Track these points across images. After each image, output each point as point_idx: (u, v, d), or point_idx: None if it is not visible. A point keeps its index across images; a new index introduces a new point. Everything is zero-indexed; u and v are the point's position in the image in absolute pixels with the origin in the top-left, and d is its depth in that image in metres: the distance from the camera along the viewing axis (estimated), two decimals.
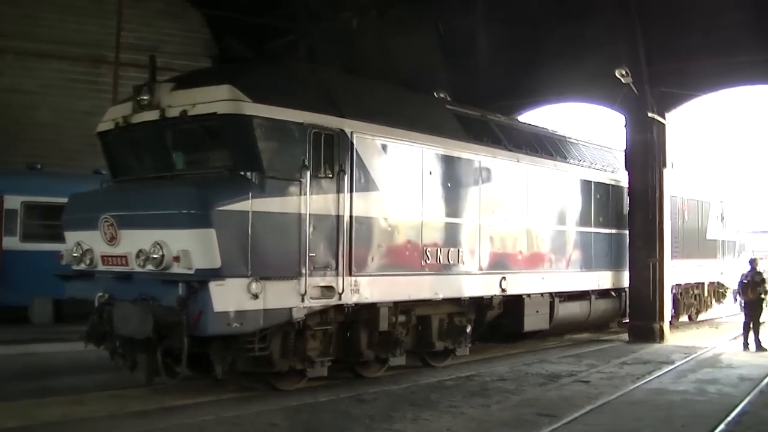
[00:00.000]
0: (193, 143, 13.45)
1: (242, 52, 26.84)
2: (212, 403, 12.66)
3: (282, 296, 12.59)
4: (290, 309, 12.73)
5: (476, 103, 19.86)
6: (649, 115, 22.07)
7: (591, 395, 13.47)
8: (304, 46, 26.87)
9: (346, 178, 13.75)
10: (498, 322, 18.37)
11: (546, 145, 20.50)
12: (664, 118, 22.55)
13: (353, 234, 13.83)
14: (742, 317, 22.70)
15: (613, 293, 22.86)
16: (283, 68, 15.37)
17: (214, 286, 11.56)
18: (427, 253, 15.57)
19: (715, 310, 32.04)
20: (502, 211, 17.98)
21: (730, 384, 14.94)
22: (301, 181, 12.92)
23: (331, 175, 13.53)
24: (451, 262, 16.18)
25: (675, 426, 11.37)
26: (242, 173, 12.49)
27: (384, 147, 14.80)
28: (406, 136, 15.33)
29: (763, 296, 22.42)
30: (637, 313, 22.47)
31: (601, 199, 22.13)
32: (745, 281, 21.92)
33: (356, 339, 14.47)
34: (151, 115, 13.04)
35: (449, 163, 16.41)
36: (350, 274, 13.73)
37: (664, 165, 22.61)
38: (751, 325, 21.26)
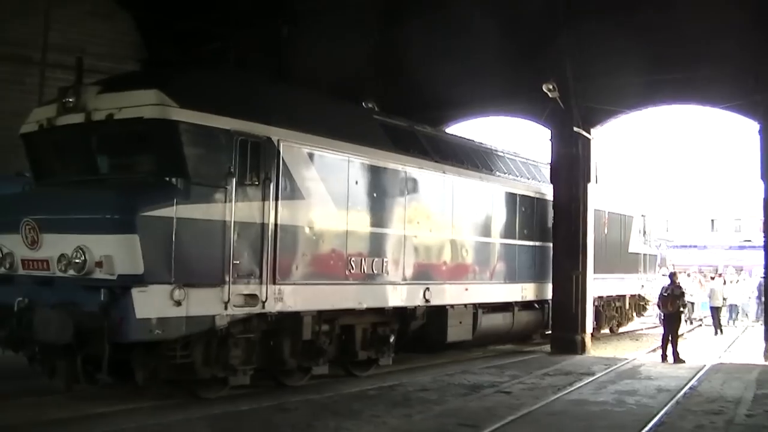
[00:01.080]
0: (118, 147, 13.28)
1: (172, 56, 26.60)
2: (133, 410, 12.53)
3: (205, 303, 12.53)
4: (213, 317, 12.68)
5: (405, 114, 19.94)
6: (575, 129, 22.34)
7: (512, 406, 13.60)
8: (234, 53, 26.71)
9: (272, 186, 13.73)
10: (421, 332, 18.41)
11: (472, 158, 20.67)
12: (590, 133, 22.86)
13: (278, 242, 13.81)
14: (661, 330, 23.14)
15: (536, 305, 23.08)
16: (212, 74, 15.34)
17: (136, 293, 11.48)
18: (352, 263, 15.61)
19: (635, 323, 32.56)
20: (427, 222, 18.08)
21: (648, 395, 15.21)
22: (226, 189, 12.89)
23: (256, 183, 13.50)
24: (376, 272, 16.23)
25: None
26: (167, 179, 12.42)
27: (310, 156, 14.81)
28: (333, 145, 15.36)
29: (681, 309, 22.88)
30: (560, 324, 22.73)
31: (526, 212, 22.36)
32: (665, 294, 22.33)
33: (279, 347, 14.39)
34: (77, 118, 12.88)
35: (375, 174, 16.48)
36: (274, 283, 13.71)
37: (589, 179, 22.91)
38: (670, 338, 21.65)
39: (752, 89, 21.21)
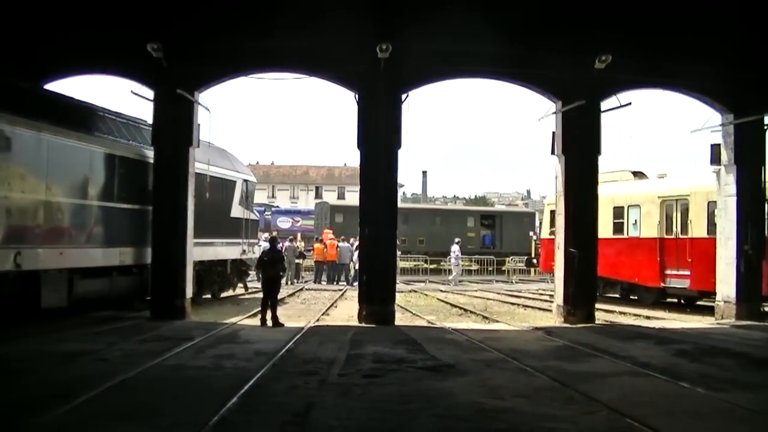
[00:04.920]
0: None
1: None
2: None
3: None
4: None
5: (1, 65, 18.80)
6: (178, 91, 21.94)
7: (108, 373, 13.10)
8: None
9: None
10: (14, 298, 17.58)
11: (72, 117, 19.96)
12: (194, 96, 22.57)
13: None
14: (260, 294, 23.48)
15: (135, 269, 22.70)
16: None
17: None
18: None
19: (237, 288, 32.93)
20: (20, 182, 17.30)
21: (246, 358, 15.29)
22: None
23: None
24: None
25: (190, 400, 11.39)
26: None
27: None
28: None
29: (282, 274, 23.36)
30: (159, 289, 22.36)
31: (126, 174, 21.91)
32: (265, 259, 22.65)
33: None
34: None
35: None
36: None
37: (191, 143, 22.66)
38: (269, 302, 22.00)
39: (352, 60, 22.12)
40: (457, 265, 47.27)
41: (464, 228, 61.30)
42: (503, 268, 54.65)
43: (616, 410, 10.94)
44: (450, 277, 46.95)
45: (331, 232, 49.41)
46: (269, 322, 21.64)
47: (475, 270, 55.51)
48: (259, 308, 22.43)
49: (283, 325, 21.59)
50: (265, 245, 27.91)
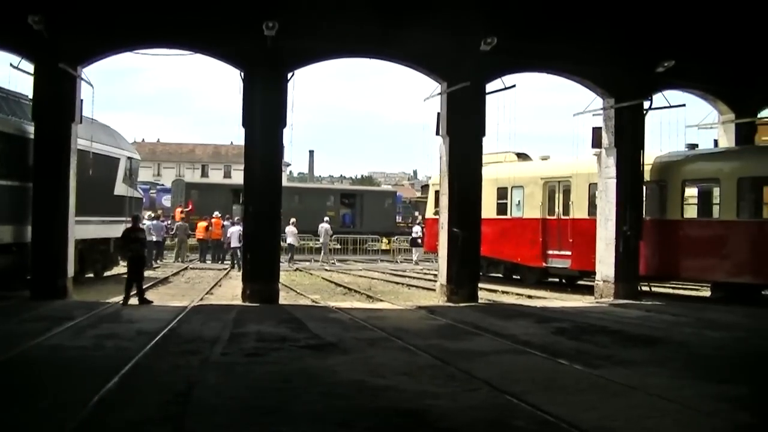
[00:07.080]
0: None
1: None
2: None
3: None
4: None
5: None
6: (60, 66, 21.34)
7: None
8: None
9: None
10: None
11: None
12: (77, 71, 22.01)
13: None
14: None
15: (14, 248, 22.15)
16: None
17: None
18: None
19: (121, 267, 32.44)
20: None
21: (128, 338, 15.12)
22: None
23: None
24: None
25: (70, 381, 11.19)
26: None
27: None
28: None
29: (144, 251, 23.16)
30: (40, 269, 21.69)
31: (4, 150, 21.41)
32: (127, 238, 22.40)
33: None
34: None
35: None
36: None
37: (74, 119, 22.13)
38: (134, 281, 21.78)
39: (237, 38, 21.93)
40: (326, 243, 47.35)
41: (324, 207, 60.27)
42: (365, 247, 54.80)
43: (496, 387, 11.19)
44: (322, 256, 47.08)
45: (181, 208, 49.45)
46: (134, 301, 21.35)
47: (337, 249, 55.33)
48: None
49: (151, 302, 21.45)
50: (149, 224, 27.58)
